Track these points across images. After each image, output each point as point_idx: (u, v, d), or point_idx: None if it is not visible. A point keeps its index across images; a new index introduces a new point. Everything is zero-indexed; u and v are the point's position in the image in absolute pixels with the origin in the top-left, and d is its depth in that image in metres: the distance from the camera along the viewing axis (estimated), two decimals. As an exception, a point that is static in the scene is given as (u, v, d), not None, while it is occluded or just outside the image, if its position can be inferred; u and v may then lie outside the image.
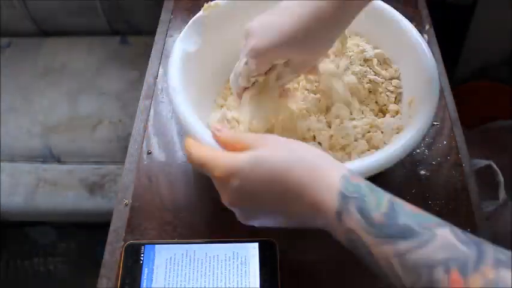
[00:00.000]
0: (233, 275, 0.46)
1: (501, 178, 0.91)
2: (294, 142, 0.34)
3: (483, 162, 0.93)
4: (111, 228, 0.50)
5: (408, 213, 0.28)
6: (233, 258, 0.47)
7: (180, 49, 0.48)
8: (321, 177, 0.31)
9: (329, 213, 0.30)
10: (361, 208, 0.29)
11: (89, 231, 1.11)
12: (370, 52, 0.52)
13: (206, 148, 0.37)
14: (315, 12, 0.37)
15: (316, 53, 0.43)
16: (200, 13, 0.49)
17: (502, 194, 0.90)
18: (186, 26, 0.49)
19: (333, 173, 0.31)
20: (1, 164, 0.91)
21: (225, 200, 0.36)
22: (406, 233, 0.27)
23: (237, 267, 0.46)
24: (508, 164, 0.95)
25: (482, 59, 1.18)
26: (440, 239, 0.27)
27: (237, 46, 0.52)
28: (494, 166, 0.93)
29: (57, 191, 0.88)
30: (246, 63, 0.41)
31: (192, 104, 0.45)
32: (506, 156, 0.98)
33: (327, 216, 0.31)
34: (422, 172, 0.53)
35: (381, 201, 0.29)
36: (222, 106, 0.54)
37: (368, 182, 0.31)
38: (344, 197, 0.30)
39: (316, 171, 0.31)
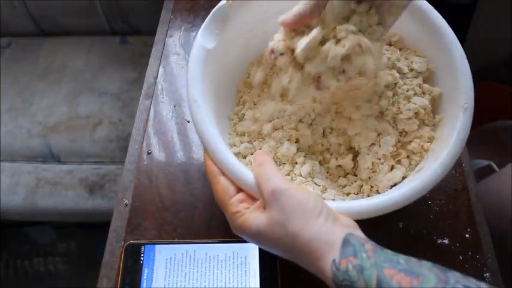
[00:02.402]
0: (233, 275, 0.46)
1: (501, 178, 0.91)
2: (294, 218, 0.34)
3: (483, 162, 0.93)
4: (111, 228, 0.50)
5: None
6: (233, 258, 0.47)
7: (200, 46, 0.45)
8: (316, 266, 0.33)
9: None
10: None
11: (89, 231, 1.11)
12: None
13: (226, 192, 0.39)
14: None
15: None
16: (223, 2, 0.47)
17: (502, 194, 0.89)
18: (206, 19, 0.47)
19: (325, 260, 0.32)
20: (1, 164, 0.91)
21: (233, 231, 0.39)
22: None
23: (237, 267, 0.46)
24: (508, 164, 0.95)
25: (482, 59, 1.18)
26: None
27: (258, 36, 0.52)
28: (494, 166, 0.93)
29: (57, 191, 0.89)
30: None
31: (210, 104, 0.44)
32: (506, 156, 0.98)
33: None
34: (422, 172, 0.53)
35: (369, 284, 0.30)
36: (241, 98, 0.53)
37: (358, 258, 0.31)
38: (338, 286, 0.32)
39: (311, 259, 0.33)
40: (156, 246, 0.48)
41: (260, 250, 0.47)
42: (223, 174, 0.40)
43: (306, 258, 0.34)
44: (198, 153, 0.56)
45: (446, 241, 0.49)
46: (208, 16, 0.47)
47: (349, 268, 0.31)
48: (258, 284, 0.45)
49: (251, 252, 0.47)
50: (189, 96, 0.43)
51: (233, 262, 0.46)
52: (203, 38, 0.46)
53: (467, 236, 0.49)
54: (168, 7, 0.72)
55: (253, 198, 0.38)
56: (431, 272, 0.29)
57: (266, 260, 0.46)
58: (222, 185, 0.39)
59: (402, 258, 0.31)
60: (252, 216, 0.36)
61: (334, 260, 0.32)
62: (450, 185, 0.53)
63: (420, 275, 0.29)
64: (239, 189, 0.39)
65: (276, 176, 0.37)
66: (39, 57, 1.06)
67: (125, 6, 1.03)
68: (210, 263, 0.46)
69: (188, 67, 0.44)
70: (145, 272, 0.46)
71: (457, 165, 0.54)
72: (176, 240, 0.49)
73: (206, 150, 0.41)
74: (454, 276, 0.28)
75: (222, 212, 0.39)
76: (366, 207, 0.38)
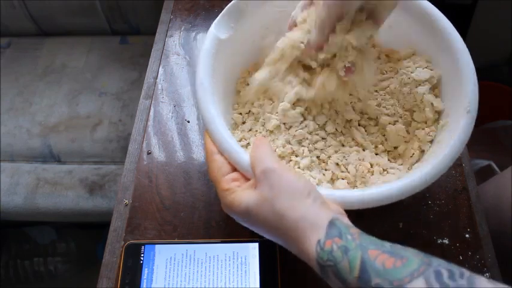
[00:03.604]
0: (233, 275, 0.46)
1: (501, 178, 0.91)
2: (283, 197, 0.34)
3: (483, 162, 0.93)
4: (111, 228, 0.50)
5: (380, 272, 0.29)
6: (233, 258, 0.47)
7: (213, 35, 0.47)
8: (300, 247, 0.33)
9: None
10: (337, 275, 0.31)
11: (89, 231, 1.11)
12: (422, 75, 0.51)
13: (220, 168, 0.40)
14: None
15: None
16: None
17: (502, 194, 0.89)
18: (222, 12, 0.48)
19: (310, 241, 0.32)
20: (1, 164, 0.91)
21: (222, 208, 0.39)
22: None
23: (237, 267, 0.46)
24: (508, 164, 0.95)
25: (482, 59, 1.18)
26: None
27: (273, 36, 0.53)
28: (494, 166, 0.93)
29: (57, 191, 0.89)
30: (318, 17, 0.40)
31: (217, 91, 0.45)
32: (506, 156, 0.98)
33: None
34: (422, 172, 0.53)
35: (353, 264, 0.30)
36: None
37: (343, 239, 0.32)
38: (321, 266, 0.32)
39: (296, 239, 0.33)
40: (156, 246, 0.48)
41: (260, 250, 0.47)
42: (221, 153, 0.40)
43: (290, 237, 0.34)
44: (198, 153, 0.56)
45: (446, 241, 0.49)
46: (224, 9, 0.48)
47: (333, 249, 0.31)
48: (258, 284, 0.45)
49: (251, 252, 0.47)
50: (197, 80, 0.44)
51: (233, 262, 0.46)
52: (217, 28, 0.47)
53: (467, 236, 0.49)
54: (168, 7, 0.72)
55: (246, 179, 0.39)
56: (415, 256, 0.29)
57: (266, 260, 0.46)
58: (218, 162, 0.40)
59: (387, 243, 0.31)
60: (242, 193, 0.36)
61: (319, 241, 0.32)
62: (450, 185, 0.53)
63: (404, 257, 0.29)
64: (234, 170, 0.40)
65: (269, 157, 0.37)
66: (39, 57, 1.06)
67: (125, 6, 1.03)
68: (210, 263, 0.46)
69: (200, 54, 0.46)
70: (145, 272, 0.46)
71: (457, 165, 0.54)
72: (176, 240, 0.49)
73: (207, 130, 0.42)
74: (437, 261, 0.29)
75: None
76: (356, 198, 0.38)
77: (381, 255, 0.30)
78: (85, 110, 0.97)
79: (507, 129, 1.06)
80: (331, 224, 0.33)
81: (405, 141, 0.49)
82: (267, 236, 0.37)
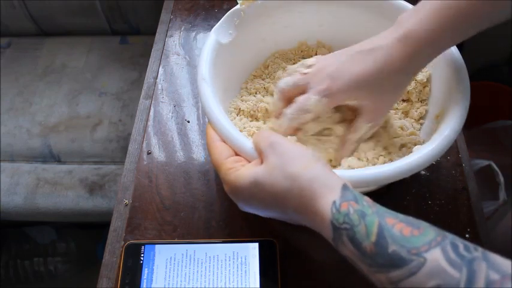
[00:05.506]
0: (233, 275, 0.46)
1: (501, 178, 0.91)
2: (293, 161, 0.35)
3: (483, 162, 0.93)
4: (111, 228, 0.50)
5: (397, 239, 0.29)
6: (233, 258, 0.47)
7: (214, 39, 0.49)
8: (315, 207, 0.32)
9: (327, 238, 0.33)
10: (352, 238, 0.30)
11: (89, 231, 1.11)
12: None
13: (222, 153, 0.40)
14: (385, 59, 0.39)
15: (385, 98, 0.43)
16: (237, 6, 0.50)
17: (502, 194, 0.90)
18: (223, 17, 0.50)
19: (324, 200, 0.32)
20: (1, 164, 0.91)
21: (226, 191, 0.39)
22: (396, 262, 0.28)
23: (237, 267, 0.46)
24: (508, 164, 0.95)
25: (482, 59, 1.18)
26: (430, 265, 0.27)
27: (267, 43, 0.56)
28: (494, 166, 0.93)
29: (57, 191, 0.89)
30: (319, 101, 0.42)
31: (217, 91, 0.46)
32: (506, 156, 0.98)
33: (327, 238, 0.33)
34: (423, 172, 0.53)
35: (370, 229, 0.30)
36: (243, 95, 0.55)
37: (359, 204, 0.31)
38: (335, 228, 0.31)
39: (310, 199, 0.33)
40: (156, 246, 0.48)
41: (260, 250, 0.47)
42: (223, 141, 0.41)
43: (302, 200, 0.33)
44: (198, 153, 0.56)
45: (446, 241, 0.49)
46: (223, 17, 0.50)
47: (350, 211, 0.31)
48: (258, 284, 0.45)
49: (251, 252, 0.47)
50: (198, 76, 0.45)
51: (233, 262, 0.46)
52: (217, 33, 0.49)
53: (467, 236, 0.49)
54: (168, 7, 0.72)
55: (249, 162, 0.39)
56: (431, 228, 0.30)
57: (266, 260, 0.46)
58: (219, 147, 0.40)
59: (401, 215, 0.31)
60: (247, 169, 0.37)
61: (334, 202, 0.31)
62: (450, 185, 0.53)
63: (421, 227, 0.29)
64: (236, 155, 0.40)
65: (274, 134, 0.38)
66: (39, 57, 1.06)
67: (125, 6, 1.03)
68: (210, 263, 0.46)
69: (201, 54, 0.47)
70: (145, 272, 0.46)
71: (457, 165, 0.54)
72: (176, 240, 0.49)
73: (209, 120, 0.42)
74: (452, 235, 0.29)
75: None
76: (366, 175, 0.38)
77: (398, 223, 0.30)
78: (85, 110, 0.97)
79: (507, 129, 1.06)
80: (345, 187, 0.32)
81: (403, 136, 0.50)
82: (272, 212, 0.36)
